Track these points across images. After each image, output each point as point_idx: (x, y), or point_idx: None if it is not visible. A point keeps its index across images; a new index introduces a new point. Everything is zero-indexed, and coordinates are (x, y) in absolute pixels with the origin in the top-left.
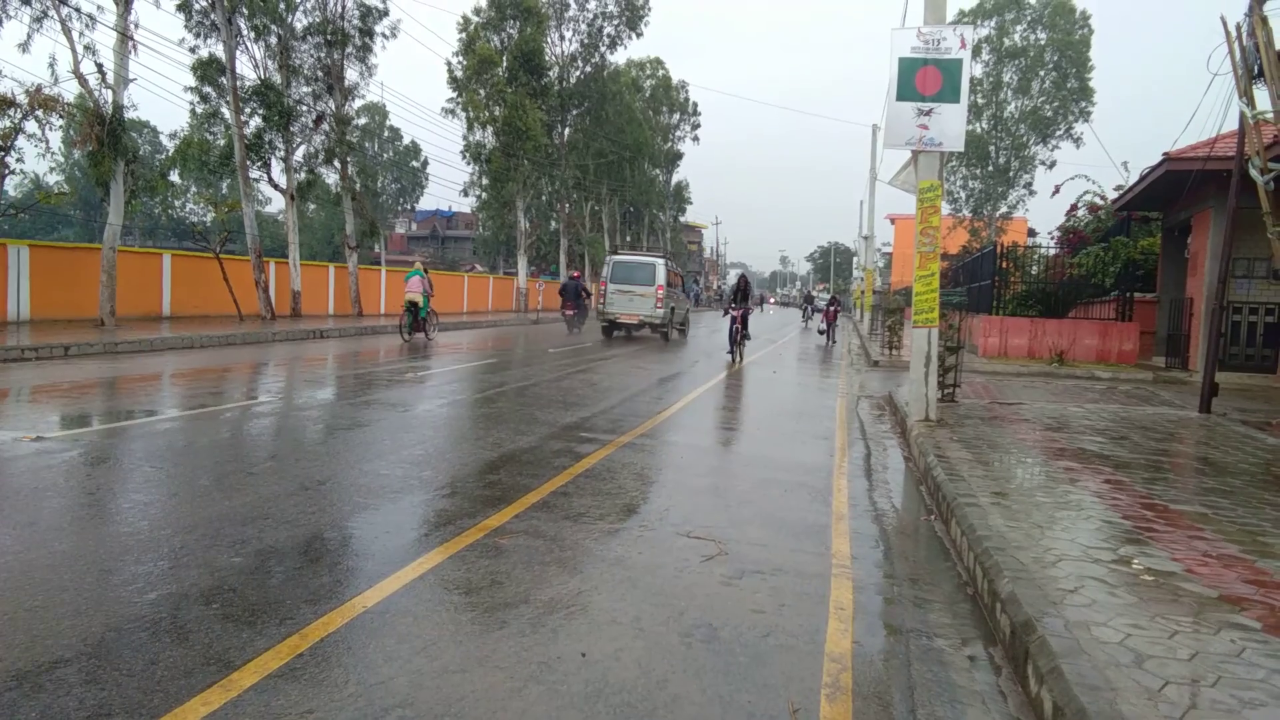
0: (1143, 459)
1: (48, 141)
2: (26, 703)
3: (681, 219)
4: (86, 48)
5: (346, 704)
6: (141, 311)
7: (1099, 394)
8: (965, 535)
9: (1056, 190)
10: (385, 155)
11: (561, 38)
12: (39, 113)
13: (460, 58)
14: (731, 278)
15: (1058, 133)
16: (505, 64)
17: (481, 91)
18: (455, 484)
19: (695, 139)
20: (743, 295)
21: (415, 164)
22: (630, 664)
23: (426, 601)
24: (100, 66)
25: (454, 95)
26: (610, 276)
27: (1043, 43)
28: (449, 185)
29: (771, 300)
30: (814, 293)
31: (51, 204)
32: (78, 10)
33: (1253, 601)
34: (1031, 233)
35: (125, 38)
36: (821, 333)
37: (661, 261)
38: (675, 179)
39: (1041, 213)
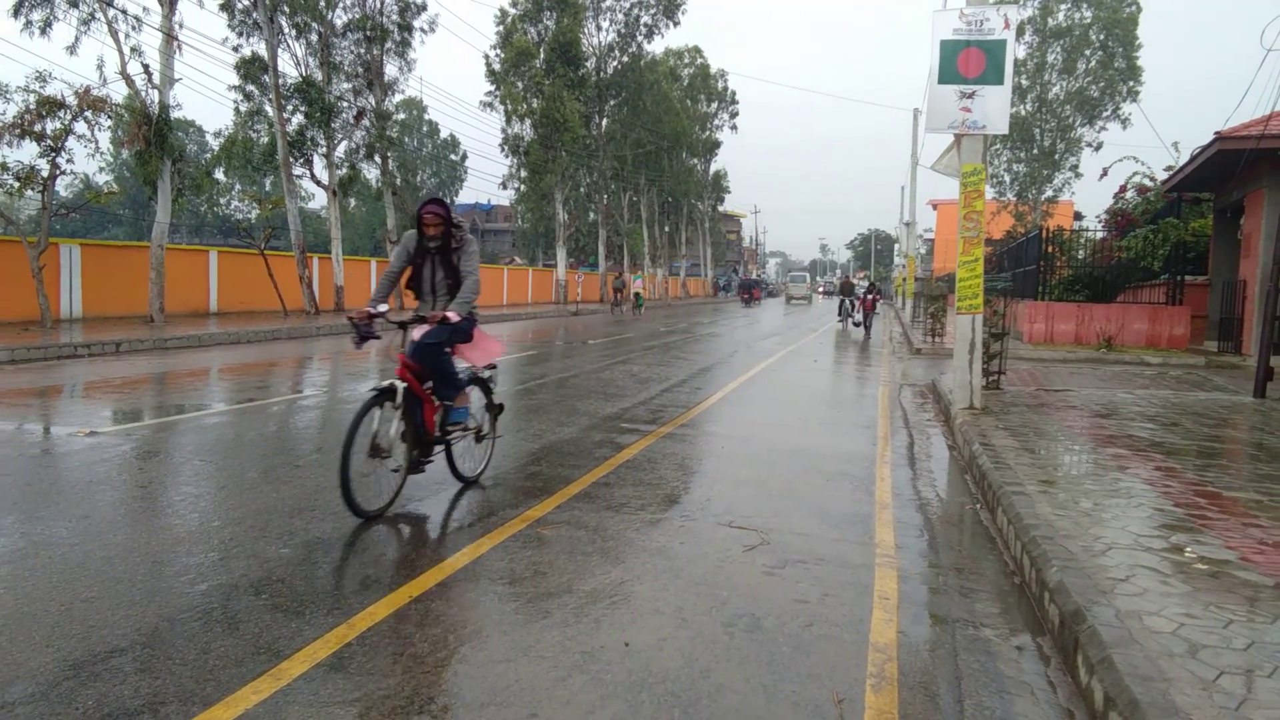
0: (1195, 445)
1: (97, 142)
2: (83, 691)
3: (720, 208)
4: (133, 49)
5: (394, 693)
6: (189, 308)
7: (1149, 380)
8: (1012, 524)
9: (1104, 173)
10: (425, 149)
11: (598, 28)
12: (88, 114)
13: (498, 50)
14: (773, 269)
15: (1104, 114)
16: (542, 56)
17: (519, 84)
18: (498, 475)
19: (734, 127)
20: (441, 276)
21: (454, 157)
22: (674, 654)
23: (471, 591)
24: (146, 67)
25: (492, 88)
26: (790, 280)
27: (1088, 21)
28: (488, 178)
29: (820, 290)
30: (855, 280)
31: (101, 203)
32: (124, 12)
33: None
34: (1078, 216)
35: (170, 38)
36: (858, 324)
37: (808, 273)
38: (713, 168)
39: (1088, 196)
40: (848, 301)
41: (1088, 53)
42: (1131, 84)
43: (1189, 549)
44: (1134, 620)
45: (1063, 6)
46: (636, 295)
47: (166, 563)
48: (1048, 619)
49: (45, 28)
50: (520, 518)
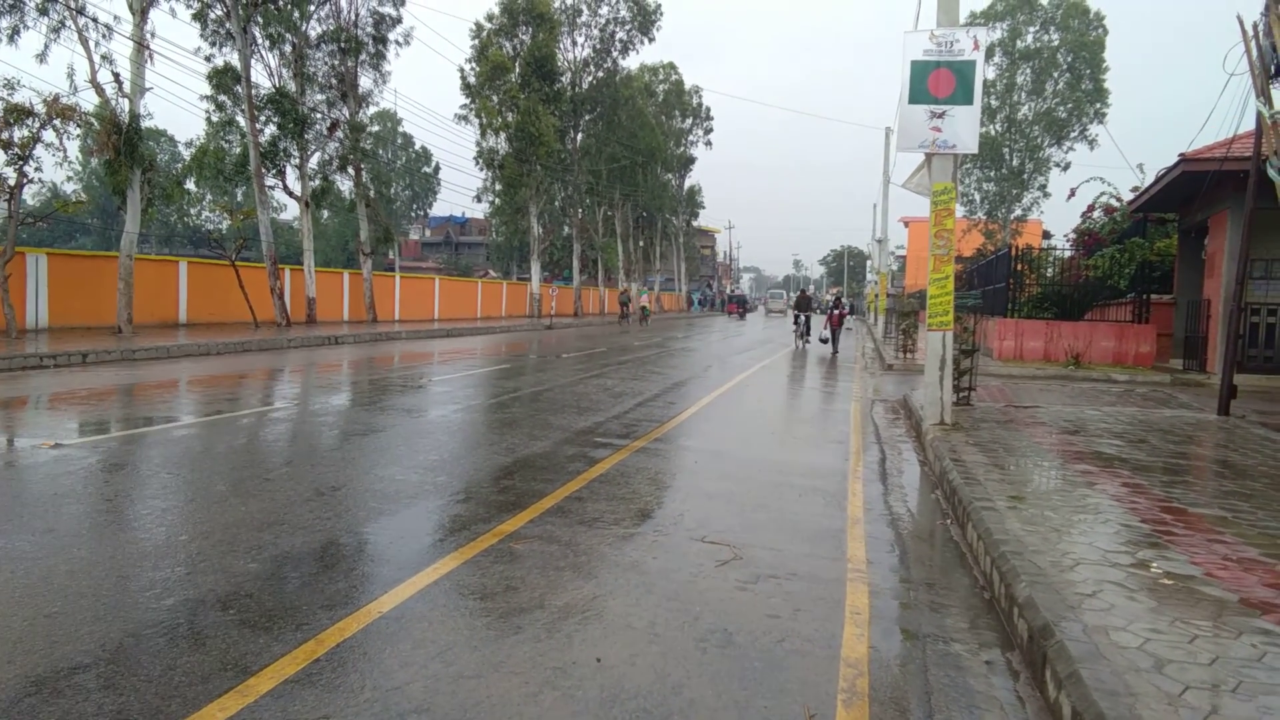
0: (1161, 462)
1: (65, 150)
2: (46, 708)
3: (695, 223)
4: (103, 57)
5: (363, 709)
6: (158, 318)
7: (1116, 397)
8: (982, 539)
9: (1072, 193)
10: (399, 162)
11: (574, 43)
12: (57, 122)
13: (473, 64)
14: (746, 284)
15: (1072, 134)
16: (518, 70)
17: (494, 97)
18: (470, 489)
19: (708, 143)
20: None
21: (428, 170)
22: (645, 669)
23: (442, 607)
24: (117, 76)
25: (467, 101)
26: (769, 297)
27: (1055, 44)
28: (462, 191)
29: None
30: (827, 295)
31: (69, 213)
32: (94, 20)
33: (1274, 605)
34: (1046, 235)
35: (141, 47)
36: (825, 340)
37: (784, 289)
38: (688, 183)
39: (1056, 215)
40: (803, 317)
41: (1055, 74)
42: (1098, 106)
43: (1155, 565)
44: (1101, 635)
45: (1031, 29)
46: (643, 308)
47: (132, 577)
48: (1017, 634)
49: (14, 35)
50: (492, 532)
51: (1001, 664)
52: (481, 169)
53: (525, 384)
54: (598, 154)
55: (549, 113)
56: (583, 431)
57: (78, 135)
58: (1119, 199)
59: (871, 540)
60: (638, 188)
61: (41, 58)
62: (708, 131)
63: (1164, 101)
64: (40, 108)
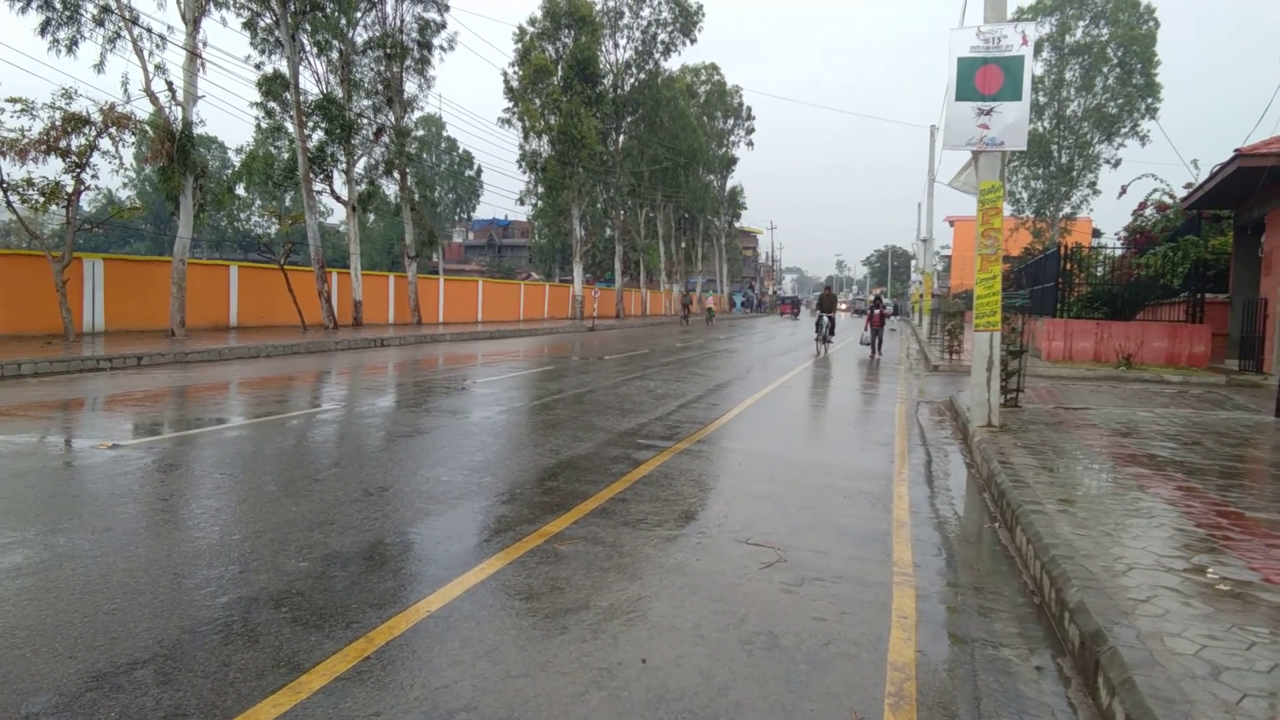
0: (1216, 465)
1: (120, 158)
2: (106, 702)
3: (736, 224)
4: (157, 67)
5: (413, 707)
6: (210, 322)
7: (1169, 398)
8: (1031, 543)
9: (1123, 191)
10: (442, 166)
11: (616, 45)
12: (112, 130)
13: (516, 68)
14: (789, 285)
15: (1123, 131)
16: (560, 73)
17: (537, 101)
18: (514, 490)
19: (750, 144)
20: None
21: (470, 173)
22: (691, 670)
23: (488, 606)
24: (170, 84)
25: (510, 105)
26: (813, 297)
27: (1105, 38)
28: (505, 194)
29: (842, 305)
30: (869, 295)
31: (124, 218)
32: (148, 31)
33: None
34: (1096, 233)
35: (194, 56)
36: (865, 344)
37: (834, 294)
38: (730, 184)
39: (1107, 213)
40: (826, 319)
41: (1105, 69)
42: (1150, 101)
43: (1211, 570)
44: (1156, 641)
45: (1080, 24)
46: (709, 310)
47: (187, 575)
48: (1068, 639)
49: (72, 46)
50: (538, 533)
51: (1052, 670)
52: (524, 172)
53: (568, 386)
54: (639, 155)
55: (591, 115)
56: (626, 433)
57: (132, 143)
58: (1172, 196)
59: (918, 543)
60: (679, 189)
61: (99, 67)
62: (749, 132)
63: (1218, 96)
64: (97, 116)
